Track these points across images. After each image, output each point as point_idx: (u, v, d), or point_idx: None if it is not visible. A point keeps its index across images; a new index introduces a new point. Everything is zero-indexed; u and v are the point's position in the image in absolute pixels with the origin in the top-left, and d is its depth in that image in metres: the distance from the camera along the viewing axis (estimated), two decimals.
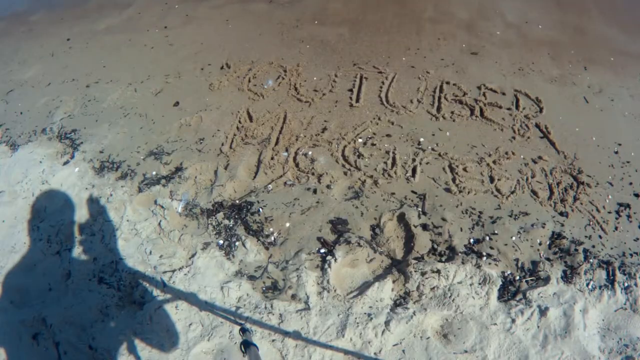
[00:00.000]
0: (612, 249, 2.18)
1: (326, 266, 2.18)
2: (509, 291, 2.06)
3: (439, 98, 3.09)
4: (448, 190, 2.48)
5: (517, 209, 2.37)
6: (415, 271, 2.10)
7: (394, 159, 2.67)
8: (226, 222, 2.46)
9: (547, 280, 2.06)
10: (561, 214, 2.33)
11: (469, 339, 1.92)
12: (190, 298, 2.15)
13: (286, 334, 1.98)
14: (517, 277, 2.10)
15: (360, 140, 2.82)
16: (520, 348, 1.87)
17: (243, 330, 1.67)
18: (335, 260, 2.19)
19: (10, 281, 2.39)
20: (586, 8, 4.09)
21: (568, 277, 2.07)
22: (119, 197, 2.68)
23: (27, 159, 3.04)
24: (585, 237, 2.23)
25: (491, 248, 2.19)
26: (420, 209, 2.39)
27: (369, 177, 2.57)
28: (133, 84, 3.66)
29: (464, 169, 2.58)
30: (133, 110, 3.38)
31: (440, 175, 2.57)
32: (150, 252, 2.38)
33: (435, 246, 2.23)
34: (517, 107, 3.00)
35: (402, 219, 2.36)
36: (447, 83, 3.22)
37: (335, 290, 2.11)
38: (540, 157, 2.63)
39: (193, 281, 2.21)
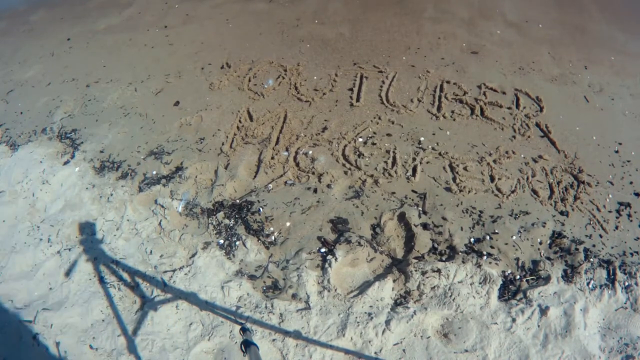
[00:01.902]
0: (612, 248, 2.18)
1: (327, 265, 2.18)
2: (509, 290, 2.06)
3: (439, 97, 3.08)
4: (448, 189, 2.48)
5: (518, 208, 2.36)
6: (415, 270, 2.10)
7: (394, 158, 2.67)
8: (226, 221, 2.46)
9: (547, 279, 2.06)
10: (562, 213, 2.33)
11: (469, 339, 1.92)
12: (191, 298, 2.15)
13: (287, 333, 1.98)
14: (518, 277, 2.09)
15: (360, 139, 2.82)
16: (521, 347, 1.87)
17: (243, 330, 1.67)
18: (336, 259, 2.19)
19: (11, 281, 2.39)
20: (586, 7, 4.09)
21: (568, 276, 2.07)
22: (119, 197, 2.68)
23: (28, 159, 3.04)
24: (586, 236, 2.23)
25: (492, 247, 2.19)
26: (420, 208, 2.39)
27: (370, 177, 2.57)
28: (133, 83, 3.66)
29: (465, 168, 2.57)
30: (133, 109, 3.38)
31: (441, 174, 2.57)
32: (151, 252, 2.38)
33: (436, 245, 2.23)
34: (517, 106, 2.99)
35: (402, 218, 2.36)
36: (448, 82, 3.21)
37: (335, 290, 2.11)
38: (540, 156, 2.62)
39: (193, 281, 2.21)
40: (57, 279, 2.35)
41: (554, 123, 2.84)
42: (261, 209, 2.49)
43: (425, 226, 2.31)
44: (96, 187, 2.77)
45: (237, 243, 2.36)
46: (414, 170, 2.59)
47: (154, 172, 2.80)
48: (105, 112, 3.41)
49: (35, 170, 2.93)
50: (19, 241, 2.56)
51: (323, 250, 2.27)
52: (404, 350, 1.91)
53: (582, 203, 2.37)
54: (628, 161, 2.59)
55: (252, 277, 2.22)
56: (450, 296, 2.02)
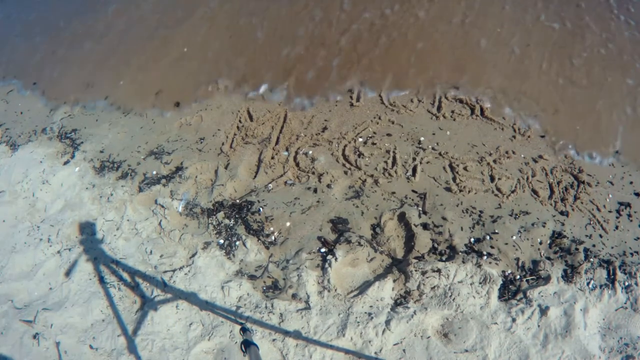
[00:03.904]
0: (612, 248, 2.18)
1: (327, 265, 2.18)
2: (509, 290, 2.06)
3: (440, 97, 3.08)
4: (448, 189, 2.48)
5: (518, 208, 2.36)
6: (415, 270, 2.10)
7: (394, 158, 2.67)
8: (227, 221, 2.46)
9: (547, 279, 2.06)
10: (562, 213, 2.33)
11: (469, 339, 1.92)
12: (191, 298, 2.15)
13: (287, 333, 1.98)
14: (518, 277, 2.10)
15: (360, 139, 2.82)
16: (521, 347, 1.87)
17: (243, 330, 1.67)
18: (336, 259, 2.19)
19: (11, 281, 2.39)
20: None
21: (569, 276, 2.07)
22: (119, 197, 2.68)
23: (28, 159, 3.04)
24: (586, 236, 2.23)
25: (492, 247, 2.19)
26: (420, 208, 2.39)
27: (370, 177, 2.57)
28: None
29: (465, 168, 2.57)
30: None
31: (441, 174, 2.57)
32: (151, 252, 2.38)
33: (436, 245, 2.23)
34: None
35: (402, 218, 2.36)
36: None
37: (335, 290, 2.11)
38: (540, 156, 2.62)
39: (193, 281, 2.21)
40: (57, 279, 2.35)
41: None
42: (261, 209, 2.49)
43: (425, 226, 2.31)
44: (96, 187, 2.77)
45: (237, 243, 2.36)
46: (414, 170, 2.59)
47: (154, 172, 2.80)
48: (105, 112, 3.40)
49: (35, 170, 2.93)
50: (19, 241, 2.57)
51: (323, 250, 2.27)
52: (404, 350, 1.92)
53: (582, 203, 2.37)
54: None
55: (252, 277, 2.22)
56: (450, 296, 2.02)
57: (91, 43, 4.01)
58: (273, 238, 2.37)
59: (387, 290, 2.08)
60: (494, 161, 2.61)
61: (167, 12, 3.98)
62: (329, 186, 2.56)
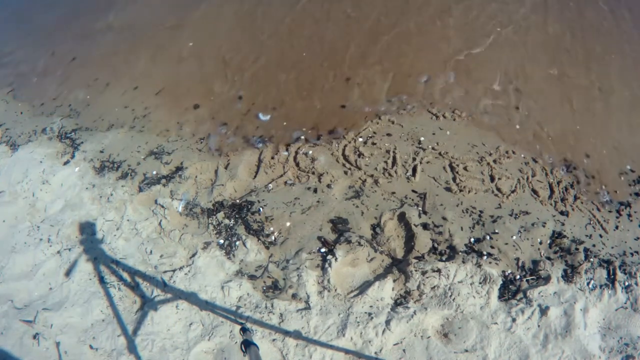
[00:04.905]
0: (612, 248, 2.18)
1: (327, 265, 2.18)
2: (509, 290, 2.06)
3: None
4: (448, 189, 2.48)
5: (518, 208, 2.36)
6: (415, 270, 2.10)
7: (394, 158, 2.67)
8: (227, 221, 2.46)
9: (547, 279, 2.06)
10: (562, 213, 2.33)
11: (469, 339, 1.92)
12: (191, 298, 2.15)
13: (287, 333, 1.98)
14: (518, 276, 2.09)
15: (360, 139, 2.82)
16: (521, 347, 1.87)
17: (243, 330, 1.67)
18: (336, 259, 2.19)
19: (11, 281, 2.39)
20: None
21: (569, 276, 2.07)
22: (119, 197, 2.68)
23: (28, 159, 3.04)
24: (586, 236, 2.23)
25: (492, 247, 2.19)
26: (420, 208, 2.39)
27: (370, 177, 2.57)
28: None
29: (465, 168, 2.57)
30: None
31: (441, 174, 2.56)
32: (151, 252, 2.38)
33: (436, 245, 2.23)
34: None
35: (402, 218, 2.36)
36: None
37: (335, 290, 2.11)
38: (540, 156, 2.62)
39: (193, 281, 2.21)
40: (57, 279, 2.35)
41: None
42: (261, 209, 2.49)
43: (425, 226, 2.31)
44: (96, 187, 2.77)
45: (237, 243, 2.36)
46: (414, 170, 2.58)
47: (154, 172, 2.80)
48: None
49: (35, 170, 2.93)
50: (19, 241, 2.56)
51: (323, 250, 2.27)
52: (404, 350, 1.91)
53: (582, 203, 2.37)
54: None
55: (252, 277, 2.22)
56: (450, 296, 2.02)
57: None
58: (273, 238, 2.37)
59: (387, 290, 2.07)
60: (494, 161, 2.61)
61: None
62: (329, 186, 2.56)
